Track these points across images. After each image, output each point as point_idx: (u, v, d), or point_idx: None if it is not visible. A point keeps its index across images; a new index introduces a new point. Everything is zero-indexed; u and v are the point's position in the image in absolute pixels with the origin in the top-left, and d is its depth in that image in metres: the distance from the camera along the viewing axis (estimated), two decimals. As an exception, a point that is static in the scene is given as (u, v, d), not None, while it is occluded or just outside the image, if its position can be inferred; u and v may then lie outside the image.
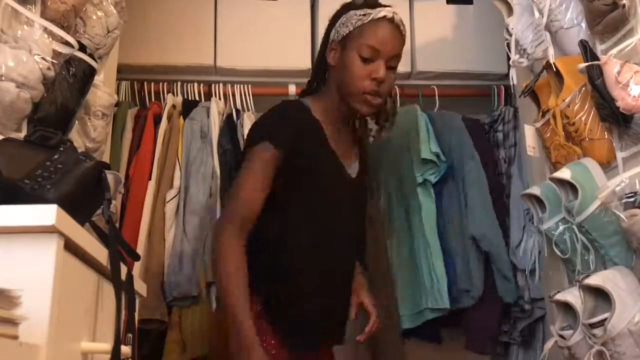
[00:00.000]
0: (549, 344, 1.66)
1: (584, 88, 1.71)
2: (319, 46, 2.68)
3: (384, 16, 1.66)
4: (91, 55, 1.64)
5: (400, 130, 2.51)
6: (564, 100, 1.77)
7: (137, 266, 2.11)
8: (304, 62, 2.67)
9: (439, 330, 2.45)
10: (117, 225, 2.15)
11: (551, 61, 1.85)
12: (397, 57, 1.69)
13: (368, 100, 1.65)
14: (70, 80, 1.54)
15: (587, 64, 1.62)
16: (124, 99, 2.50)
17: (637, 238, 1.47)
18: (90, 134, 1.78)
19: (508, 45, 2.05)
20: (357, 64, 1.64)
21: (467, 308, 2.38)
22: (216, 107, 2.45)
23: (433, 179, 2.41)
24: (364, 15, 1.66)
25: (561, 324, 1.64)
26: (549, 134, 1.85)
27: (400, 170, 2.46)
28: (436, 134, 2.48)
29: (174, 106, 2.47)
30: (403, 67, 2.74)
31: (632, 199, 1.48)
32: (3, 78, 1.36)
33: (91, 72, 1.63)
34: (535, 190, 1.81)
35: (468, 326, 2.41)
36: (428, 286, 2.31)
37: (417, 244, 2.37)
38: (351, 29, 1.66)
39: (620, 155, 1.65)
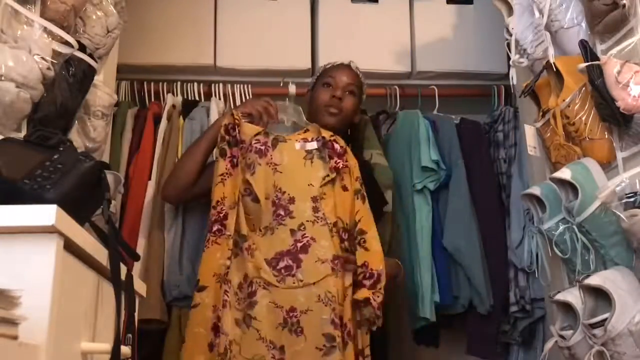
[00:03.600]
0: (549, 344, 1.66)
1: (584, 88, 1.71)
2: (318, 46, 2.70)
3: (342, 63, 2.20)
4: (91, 55, 1.64)
5: (402, 136, 2.52)
6: (564, 100, 1.77)
7: (137, 266, 2.11)
8: (304, 62, 2.68)
9: (437, 334, 2.45)
10: (117, 225, 2.15)
11: (551, 61, 1.84)
12: (352, 85, 2.14)
13: (330, 110, 2.09)
14: (70, 80, 1.54)
15: (587, 64, 1.61)
16: (124, 99, 2.50)
17: (637, 238, 1.47)
18: (90, 134, 1.79)
19: (508, 45, 2.05)
20: (321, 90, 2.14)
21: (465, 313, 2.38)
22: (216, 107, 2.45)
23: (432, 186, 2.41)
24: (327, 64, 2.23)
25: (561, 324, 1.64)
26: (549, 134, 1.85)
27: (401, 176, 2.46)
28: (436, 139, 2.48)
29: (173, 106, 2.46)
30: (403, 67, 2.75)
31: (632, 199, 1.48)
32: (3, 78, 1.36)
33: (91, 72, 1.63)
34: (535, 190, 1.81)
35: (470, 331, 2.41)
36: (417, 294, 2.31)
37: (412, 252, 2.37)
38: (318, 74, 2.21)
39: (620, 155, 1.65)
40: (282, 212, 1.82)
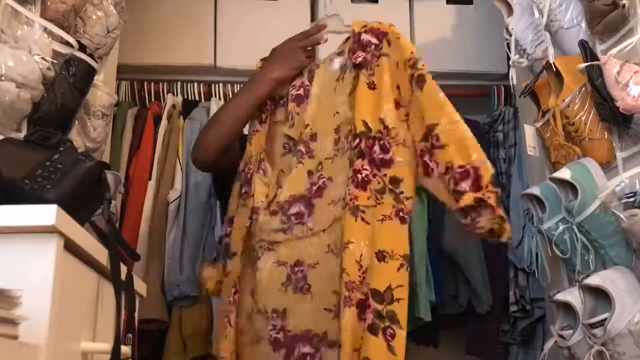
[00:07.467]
0: (549, 344, 1.66)
1: (583, 88, 1.71)
2: (318, 45, 2.68)
3: None
4: (91, 55, 1.64)
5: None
6: (563, 100, 1.77)
7: (137, 266, 2.11)
8: (304, 62, 2.68)
9: (436, 334, 2.45)
10: (117, 225, 2.15)
11: (551, 61, 1.84)
12: None
13: None
14: (70, 80, 1.54)
15: (587, 64, 1.62)
16: (124, 99, 2.51)
17: (637, 238, 1.47)
18: (90, 134, 1.79)
19: (508, 45, 2.05)
20: None
21: (465, 312, 2.38)
22: (216, 107, 2.45)
23: None
24: None
25: (561, 324, 1.64)
26: (548, 134, 1.85)
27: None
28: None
29: (174, 106, 2.47)
30: (403, 67, 2.75)
31: (632, 199, 1.48)
32: (3, 78, 1.36)
33: (91, 72, 1.63)
34: (535, 190, 1.81)
35: (469, 331, 2.41)
36: (413, 294, 2.30)
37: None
38: None
39: (620, 155, 1.65)
40: (302, 149, 1.54)
